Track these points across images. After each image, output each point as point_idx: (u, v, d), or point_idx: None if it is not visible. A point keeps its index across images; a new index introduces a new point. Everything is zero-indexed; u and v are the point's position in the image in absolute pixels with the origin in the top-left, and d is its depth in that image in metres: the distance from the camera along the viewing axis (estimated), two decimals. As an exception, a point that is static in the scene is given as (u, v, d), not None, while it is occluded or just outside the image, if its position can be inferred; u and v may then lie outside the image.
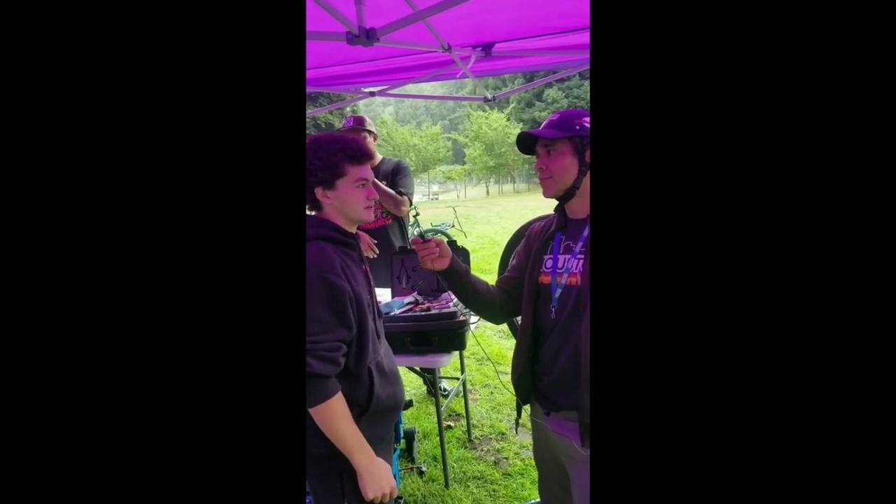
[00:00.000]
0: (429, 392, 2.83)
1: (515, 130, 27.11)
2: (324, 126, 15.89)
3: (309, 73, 2.35)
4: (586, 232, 1.09)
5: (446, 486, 2.06)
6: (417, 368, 2.21)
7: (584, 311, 1.03)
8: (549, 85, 28.43)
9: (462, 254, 2.13)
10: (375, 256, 2.26)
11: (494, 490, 2.04)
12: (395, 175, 2.36)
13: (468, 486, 2.07)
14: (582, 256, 1.08)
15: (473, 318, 1.98)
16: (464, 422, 2.54)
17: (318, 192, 1.09)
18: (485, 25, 1.92)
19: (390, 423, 1.19)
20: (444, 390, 2.72)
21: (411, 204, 2.50)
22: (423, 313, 1.81)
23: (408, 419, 2.61)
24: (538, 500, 1.34)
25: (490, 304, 1.25)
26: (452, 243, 2.18)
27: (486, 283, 1.27)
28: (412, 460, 2.25)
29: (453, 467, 2.18)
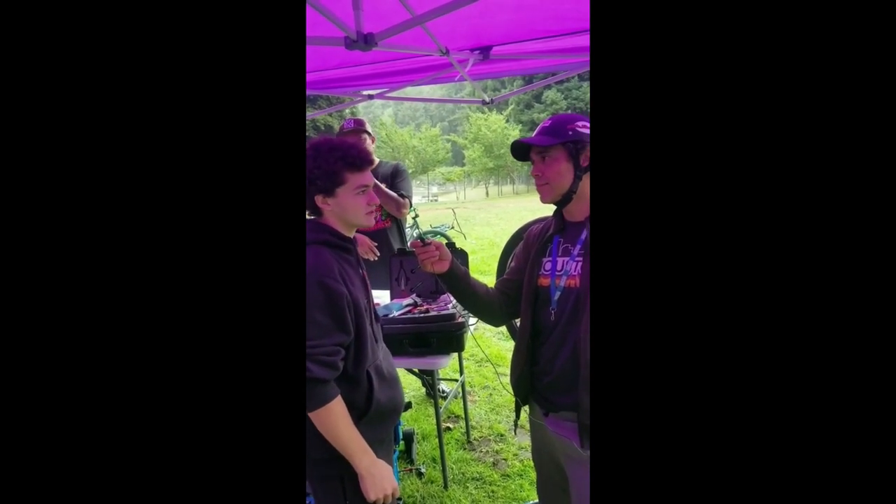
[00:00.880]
0: (428, 394, 2.84)
1: (514, 132, 27.13)
2: (323, 128, 15.90)
3: (308, 76, 2.36)
4: (584, 234, 1.10)
5: (445, 487, 2.06)
6: (416, 370, 2.22)
7: (583, 313, 1.04)
8: (548, 87, 28.44)
9: (461, 255, 2.14)
10: (376, 259, 2.26)
11: (493, 491, 2.04)
12: (394, 178, 2.37)
13: (467, 488, 2.08)
14: (580, 259, 1.09)
15: (472, 320, 1.99)
16: (463, 423, 2.54)
17: (319, 199, 1.10)
18: (482, 29, 1.93)
19: (390, 426, 1.20)
20: (443, 392, 2.73)
21: (411, 206, 2.51)
22: (422, 315, 1.82)
23: (407, 421, 2.62)
24: (537, 500, 1.35)
25: (489, 306, 1.26)
26: (451, 245, 2.19)
27: (486, 286, 1.28)
28: (411, 462, 2.25)
29: (452, 469, 2.19)
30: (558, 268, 1.13)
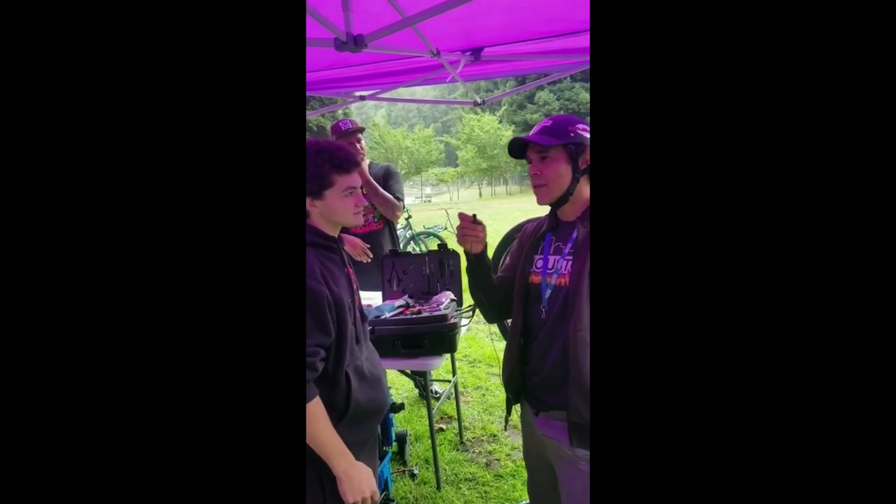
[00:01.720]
0: (421, 395, 2.84)
1: (507, 133, 27.16)
2: (315, 129, 15.85)
3: (299, 77, 2.35)
4: (575, 234, 1.10)
5: (438, 488, 2.06)
6: (409, 371, 2.21)
7: (571, 312, 1.04)
8: (541, 88, 28.52)
9: (452, 257, 2.14)
10: (369, 261, 2.26)
11: (486, 492, 2.05)
12: (386, 180, 2.37)
13: (460, 488, 2.08)
14: (570, 258, 1.09)
15: (464, 321, 1.99)
16: (456, 424, 2.54)
17: (307, 201, 1.10)
18: (473, 30, 1.93)
19: (371, 428, 1.19)
20: (436, 393, 2.73)
21: (403, 208, 2.51)
22: (414, 316, 1.82)
23: (400, 422, 2.62)
24: (529, 501, 1.35)
25: (499, 301, 1.26)
26: (443, 246, 2.19)
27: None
28: (404, 463, 2.25)
29: (445, 469, 2.19)
30: (549, 266, 1.13)
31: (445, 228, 8.71)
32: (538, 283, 1.14)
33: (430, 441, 2.07)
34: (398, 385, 3.09)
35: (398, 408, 2.08)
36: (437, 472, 2.09)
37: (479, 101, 2.72)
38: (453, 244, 1.69)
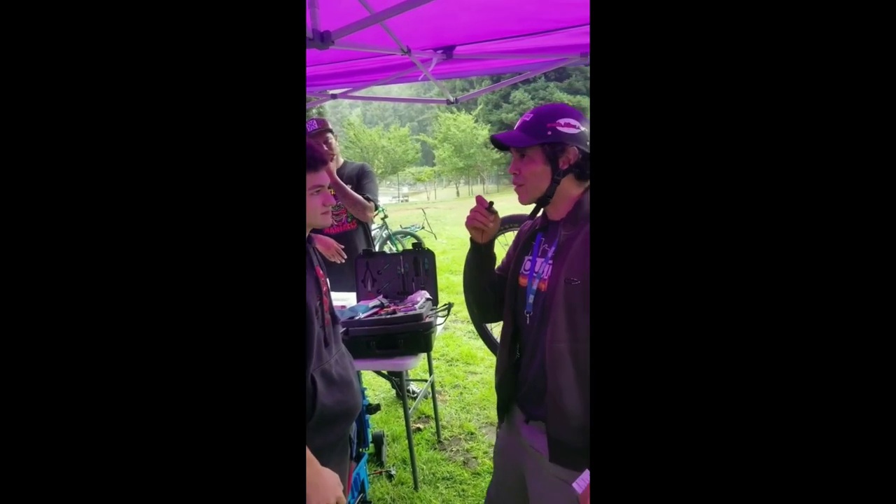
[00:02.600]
0: (397, 395, 2.82)
1: (483, 132, 27.24)
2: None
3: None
4: (558, 237, 1.05)
5: (416, 488, 2.06)
6: (385, 372, 2.20)
7: (548, 321, 0.99)
8: (515, 87, 28.71)
9: (427, 256, 2.14)
10: (343, 262, 2.23)
11: (464, 490, 2.05)
12: (360, 179, 2.34)
13: (437, 488, 2.07)
14: (552, 262, 1.03)
15: (440, 320, 1.99)
16: (433, 423, 2.54)
17: None
18: (445, 28, 1.93)
19: (340, 432, 1.17)
20: (413, 392, 2.71)
21: (377, 208, 2.48)
22: (389, 316, 1.80)
23: (376, 423, 2.60)
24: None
25: (493, 301, 1.19)
26: (418, 244, 2.18)
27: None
28: (381, 464, 2.24)
29: (423, 469, 2.18)
30: (536, 268, 1.08)
31: (423, 228, 8.70)
32: (525, 285, 1.09)
33: (407, 441, 2.06)
34: (375, 386, 3.07)
35: (374, 409, 2.06)
36: (414, 472, 2.08)
37: (451, 99, 2.72)
38: (431, 243, 1.68)
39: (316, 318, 1.09)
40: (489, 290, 1.18)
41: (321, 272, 1.17)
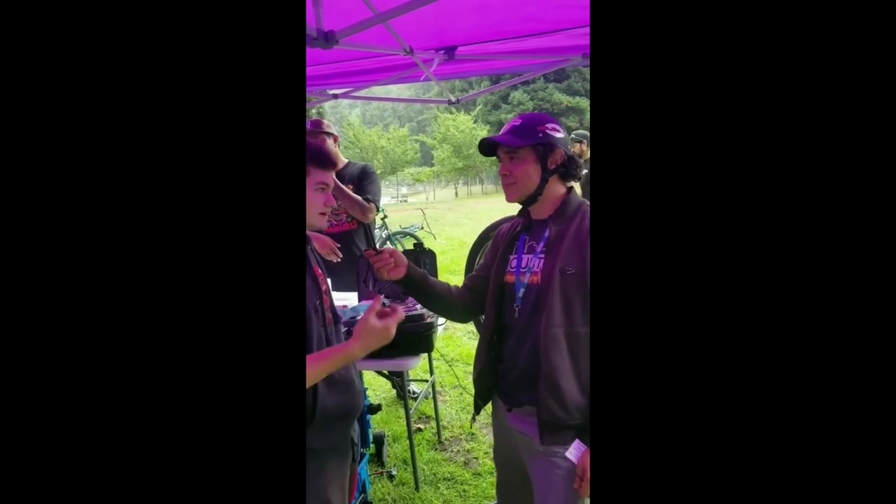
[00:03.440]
0: (398, 395, 2.82)
1: (482, 132, 27.23)
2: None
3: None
4: (547, 232, 1.12)
5: (417, 488, 2.05)
6: (385, 372, 2.20)
7: (543, 309, 1.06)
8: (515, 87, 28.71)
9: (428, 256, 2.13)
10: (339, 260, 2.23)
11: (465, 490, 2.05)
12: (362, 180, 2.33)
13: (438, 488, 2.07)
14: (543, 256, 1.10)
15: (441, 320, 1.99)
16: (434, 424, 2.54)
17: None
18: (447, 28, 1.93)
19: (342, 432, 1.17)
20: (414, 393, 2.71)
21: (378, 209, 2.48)
22: (390, 316, 1.80)
23: (377, 423, 2.59)
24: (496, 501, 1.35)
25: (452, 305, 1.27)
26: (419, 245, 2.18)
27: (448, 285, 1.29)
28: (382, 464, 2.23)
29: (423, 469, 2.18)
30: (523, 264, 1.14)
31: (422, 228, 8.70)
32: (512, 282, 1.16)
33: (408, 442, 2.06)
34: (375, 386, 3.07)
35: (375, 409, 2.06)
36: (415, 472, 2.08)
37: (453, 99, 2.72)
38: (430, 243, 1.68)
39: (316, 317, 1.08)
40: (448, 297, 1.26)
41: (320, 271, 1.17)
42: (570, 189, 1.15)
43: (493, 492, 2.00)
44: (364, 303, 1.97)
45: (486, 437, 2.41)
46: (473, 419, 1.33)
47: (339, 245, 2.19)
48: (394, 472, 2.15)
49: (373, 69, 2.36)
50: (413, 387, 2.89)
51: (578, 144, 4.13)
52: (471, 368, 3.19)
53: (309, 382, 0.99)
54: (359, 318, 1.79)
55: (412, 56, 1.90)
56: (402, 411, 2.65)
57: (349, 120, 34.52)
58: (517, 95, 29.76)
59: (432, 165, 32.29)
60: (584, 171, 3.91)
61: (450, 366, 3.27)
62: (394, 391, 2.89)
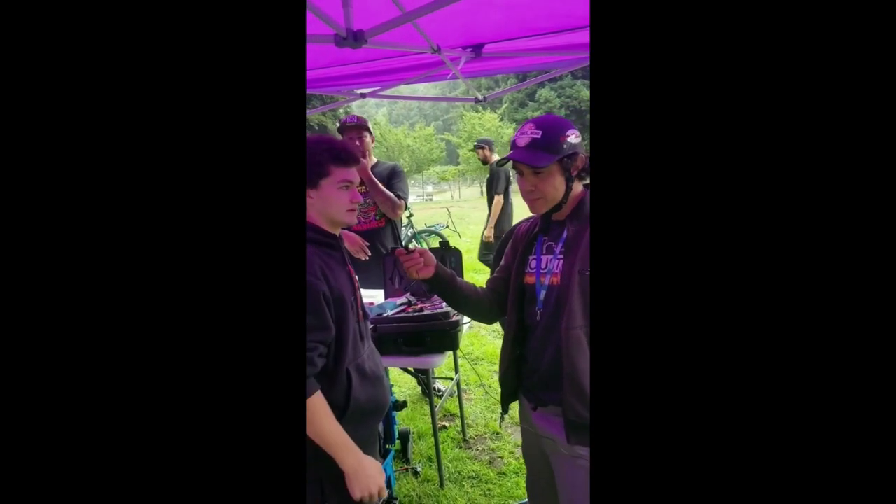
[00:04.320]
0: (423, 393, 2.83)
1: (509, 131, 27.04)
2: (317, 128, 15.84)
3: (299, 75, 2.35)
4: (565, 233, 1.11)
5: (441, 486, 2.06)
6: (411, 369, 2.21)
7: (564, 310, 1.05)
8: (542, 85, 28.45)
9: (455, 254, 2.13)
10: (367, 258, 2.25)
11: (489, 489, 2.04)
12: (391, 178, 2.36)
13: (463, 486, 2.07)
14: (562, 257, 1.10)
15: (466, 319, 1.99)
16: (458, 422, 2.54)
17: None
18: (474, 26, 1.92)
19: (371, 427, 1.18)
20: (439, 390, 2.72)
21: (406, 207, 2.50)
22: (416, 314, 1.81)
23: (402, 420, 2.61)
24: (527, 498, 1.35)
25: (478, 305, 1.27)
26: (445, 244, 2.19)
27: (474, 286, 1.29)
28: (407, 461, 2.25)
29: (448, 467, 2.18)
30: (543, 266, 1.14)
31: (447, 226, 8.71)
32: (533, 283, 1.15)
33: (432, 439, 2.07)
34: (401, 383, 3.09)
35: (401, 406, 2.08)
36: (440, 469, 2.08)
37: (480, 97, 2.72)
38: (455, 242, 1.68)
39: (352, 312, 1.10)
40: (474, 298, 1.26)
41: (351, 268, 1.19)
42: (587, 188, 1.14)
43: (519, 492, 2.00)
44: (391, 300, 1.98)
45: (512, 437, 2.40)
46: (501, 418, 1.33)
47: (367, 244, 2.22)
48: (419, 469, 2.16)
49: (400, 68, 2.38)
50: (438, 384, 2.90)
51: (481, 150, 4.29)
52: (495, 367, 3.18)
53: (316, 430, 1.01)
54: (385, 315, 1.81)
55: (439, 54, 1.90)
56: (427, 408, 2.67)
57: (376, 119, 34.85)
58: (544, 93, 29.47)
59: (458, 164, 32.26)
60: (505, 175, 4.00)
61: (472, 365, 3.27)
62: (419, 388, 2.91)
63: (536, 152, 1.05)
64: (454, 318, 1.79)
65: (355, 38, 1.29)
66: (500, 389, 1.27)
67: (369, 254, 2.26)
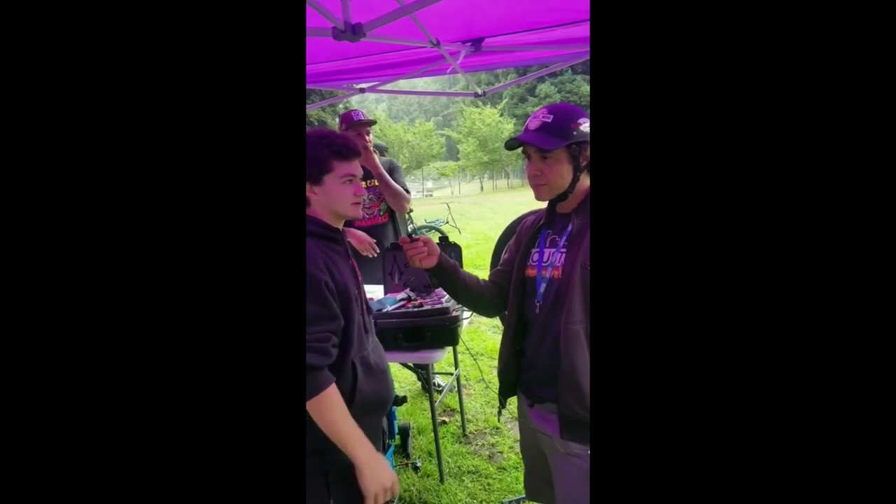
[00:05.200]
0: (423, 388, 2.84)
1: (509, 126, 27.05)
2: (316, 123, 15.81)
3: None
4: (570, 226, 1.09)
5: (441, 481, 2.07)
6: (411, 364, 2.21)
7: (563, 305, 1.04)
8: (542, 79, 28.38)
9: (454, 249, 2.13)
10: (376, 256, 2.25)
11: (489, 484, 2.05)
12: (392, 174, 2.36)
13: (463, 481, 2.08)
14: (565, 250, 1.08)
15: (466, 314, 1.99)
16: (458, 417, 2.54)
17: (307, 187, 1.10)
18: (474, 20, 1.91)
19: (376, 420, 1.18)
20: (439, 386, 2.72)
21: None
22: (416, 309, 1.81)
23: (402, 415, 2.62)
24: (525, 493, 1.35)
25: (480, 298, 1.26)
26: (444, 239, 2.18)
27: (477, 278, 1.28)
28: (407, 456, 2.25)
29: (448, 462, 2.19)
30: (545, 259, 1.12)
31: (447, 222, 8.71)
32: (534, 276, 1.14)
33: (432, 434, 2.07)
34: (400, 378, 3.10)
35: (401, 401, 2.08)
36: (440, 464, 2.09)
37: (479, 91, 2.70)
38: (455, 237, 1.68)
39: (356, 305, 1.10)
40: (476, 290, 1.25)
41: (355, 263, 1.19)
42: None
43: (518, 487, 2.00)
44: (391, 295, 1.98)
45: (511, 432, 2.41)
46: (499, 413, 1.32)
47: (374, 241, 2.22)
48: (418, 464, 2.17)
49: (399, 62, 2.36)
50: (438, 380, 2.90)
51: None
52: (495, 363, 3.19)
53: (329, 422, 1.01)
54: (385, 310, 1.81)
55: (439, 48, 1.89)
56: (426, 403, 2.67)
57: (375, 114, 34.75)
58: (544, 88, 29.40)
59: (458, 160, 32.24)
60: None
61: (474, 359, 3.28)
62: (419, 383, 2.91)
63: (545, 135, 1.04)
64: (454, 314, 1.79)
65: (353, 31, 1.28)
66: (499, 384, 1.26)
67: (377, 251, 2.27)
